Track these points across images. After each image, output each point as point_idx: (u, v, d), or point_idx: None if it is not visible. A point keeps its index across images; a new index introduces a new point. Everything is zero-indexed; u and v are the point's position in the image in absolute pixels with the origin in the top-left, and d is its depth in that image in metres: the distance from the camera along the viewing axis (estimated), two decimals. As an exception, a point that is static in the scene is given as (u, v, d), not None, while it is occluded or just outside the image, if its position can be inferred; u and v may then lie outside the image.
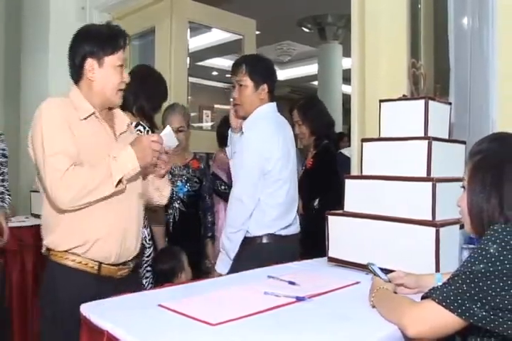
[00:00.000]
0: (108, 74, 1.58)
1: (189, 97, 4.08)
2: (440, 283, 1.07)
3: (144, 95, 2.24)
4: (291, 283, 1.46)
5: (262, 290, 1.36)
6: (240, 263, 1.93)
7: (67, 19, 4.03)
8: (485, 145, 1.16)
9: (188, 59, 3.96)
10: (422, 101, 1.62)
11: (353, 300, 1.31)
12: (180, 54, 3.83)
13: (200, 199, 2.79)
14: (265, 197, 2.00)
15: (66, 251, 1.53)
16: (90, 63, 1.57)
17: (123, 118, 1.73)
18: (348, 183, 1.77)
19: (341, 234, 1.73)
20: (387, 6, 2.21)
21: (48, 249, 1.57)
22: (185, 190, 2.68)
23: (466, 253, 1.48)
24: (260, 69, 2.10)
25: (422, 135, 1.61)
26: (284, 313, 1.20)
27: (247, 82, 2.07)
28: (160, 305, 1.23)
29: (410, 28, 2.13)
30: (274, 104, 2.14)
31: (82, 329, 1.21)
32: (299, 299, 1.28)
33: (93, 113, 1.58)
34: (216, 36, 6.64)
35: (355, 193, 1.74)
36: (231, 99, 2.37)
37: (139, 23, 3.89)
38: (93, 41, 1.57)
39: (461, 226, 1.39)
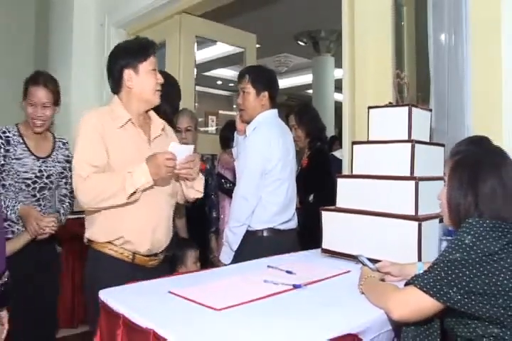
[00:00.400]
0: (144, 79, 1.62)
1: (196, 104, 4.07)
2: (421, 271, 1.08)
3: (164, 98, 2.23)
4: (289, 272, 1.46)
5: (262, 279, 1.36)
6: (242, 254, 1.93)
7: (89, 36, 4.09)
8: (464, 146, 1.18)
9: (195, 70, 3.95)
10: (405, 108, 1.63)
11: (345, 287, 1.31)
12: (188, 65, 3.82)
13: (206, 197, 2.79)
14: (266, 195, 2.00)
15: (104, 242, 1.58)
16: (128, 73, 1.61)
17: (158, 123, 1.74)
18: (340, 182, 1.77)
19: (334, 227, 1.73)
20: (374, 23, 2.21)
21: (89, 240, 1.62)
22: None
23: (444, 244, 1.49)
24: (262, 79, 2.11)
25: (406, 138, 1.61)
26: (282, 299, 1.20)
27: (250, 89, 2.08)
28: (170, 292, 1.24)
29: (395, 43, 2.14)
30: (275, 111, 2.14)
31: (101, 312, 1.22)
32: (295, 286, 1.29)
33: (129, 119, 1.61)
34: (220, 49, 6.64)
35: (346, 191, 1.74)
36: (234, 106, 2.38)
37: (151, 37, 3.81)
38: (126, 54, 1.62)
39: (441, 220, 1.40)
